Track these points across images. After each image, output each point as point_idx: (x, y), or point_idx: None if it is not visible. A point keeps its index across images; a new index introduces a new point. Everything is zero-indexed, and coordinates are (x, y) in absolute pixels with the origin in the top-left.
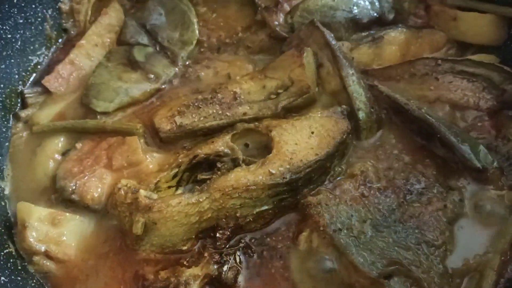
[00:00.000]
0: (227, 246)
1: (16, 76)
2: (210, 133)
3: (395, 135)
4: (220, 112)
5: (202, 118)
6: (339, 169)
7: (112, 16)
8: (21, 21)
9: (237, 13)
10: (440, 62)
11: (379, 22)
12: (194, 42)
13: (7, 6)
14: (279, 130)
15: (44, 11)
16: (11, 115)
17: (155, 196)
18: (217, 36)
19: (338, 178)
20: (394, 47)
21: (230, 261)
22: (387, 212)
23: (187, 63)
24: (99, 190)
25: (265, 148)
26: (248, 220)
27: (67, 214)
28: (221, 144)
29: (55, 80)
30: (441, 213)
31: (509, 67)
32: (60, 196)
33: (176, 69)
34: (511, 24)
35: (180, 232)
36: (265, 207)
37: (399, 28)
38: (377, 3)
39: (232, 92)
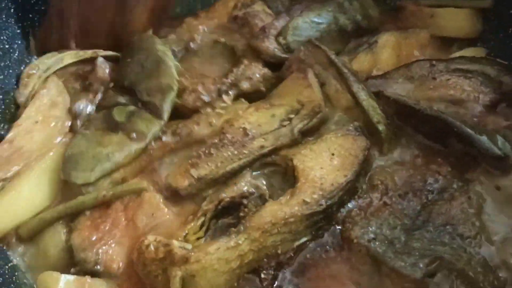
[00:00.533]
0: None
1: (15, 86)
2: (231, 177)
3: (406, 142)
4: (236, 152)
5: (219, 164)
6: (364, 185)
7: (51, 89)
8: (18, 31)
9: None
10: (434, 63)
11: (360, 31)
12: (175, 87)
13: (4, 16)
14: (299, 157)
15: (41, 20)
16: None
17: (189, 246)
18: (203, 85)
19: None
20: (389, 50)
21: None
22: (413, 215)
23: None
24: (125, 256)
25: (287, 181)
26: (289, 255)
27: (95, 280)
28: (244, 184)
29: None
30: (467, 205)
31: (497, 57)
32: (81, 270)
33: (162, 122)
34: (484, 15)
35: (221, 281)
36: (304, 239)
37: (388, 31)
38: (348, 14)
39: (241, 129)
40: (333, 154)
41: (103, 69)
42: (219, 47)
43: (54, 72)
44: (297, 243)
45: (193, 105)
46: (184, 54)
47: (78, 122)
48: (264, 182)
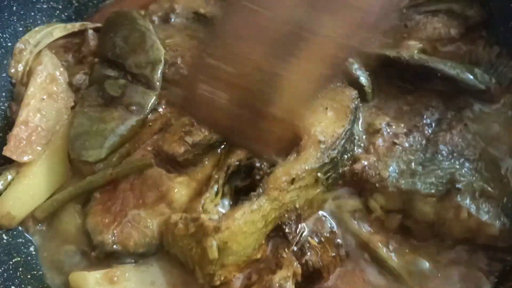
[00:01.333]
0: (298, 237)
1: None
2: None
3: (391, 89)
4: None
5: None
6: (359, 131)
7: (47, 64)
8: (20, 29)
9: None
10: (404, 10)
11: None
12: (162, 58)
13: (6, 14)
14: None
15: (44, 18)
16: None
17: (215, 216)
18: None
19: (364, 137)
20: None
21: (307, 248)
22: (422, 149)
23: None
24: (139, 233)
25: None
26: (305, 207)
27: (121, 267)
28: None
29: (16, 148)
30: (465, 131)
31: None
32: (101, 252)
33: (156, 93)
34: None
35: (251, 242)
36: (318, 190)
37: None
38: None
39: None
40: (326, 108)
41: (94, 40)
42: (199, 18)
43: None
44: (311, 195)
45: (173, 78)
46: (163, 25)
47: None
48: None
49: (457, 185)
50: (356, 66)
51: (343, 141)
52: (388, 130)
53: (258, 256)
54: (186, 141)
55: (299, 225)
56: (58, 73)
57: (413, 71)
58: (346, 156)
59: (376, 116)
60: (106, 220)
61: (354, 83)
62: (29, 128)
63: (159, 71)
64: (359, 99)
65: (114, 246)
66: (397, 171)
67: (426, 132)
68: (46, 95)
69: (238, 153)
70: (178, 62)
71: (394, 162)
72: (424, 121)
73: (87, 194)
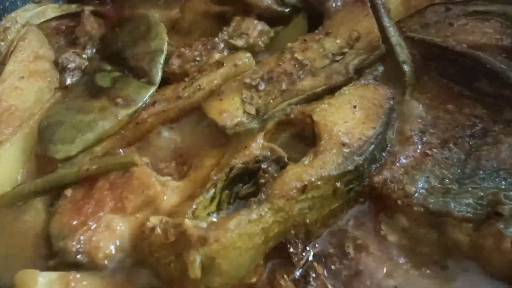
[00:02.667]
0: (304, 260)
1: None
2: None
3: (432, 87)
4: (285, 89)
5: (271, 101)
6: (392, 138)
7: (32, 41)
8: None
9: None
10: (450, 6)
11: None
12: (165, 49)
13: None
14: (319, 112)
15: None
16: None
17: (204, 223)
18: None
19: (394, 149)
20: (396, 2)
21: (312, 277)
22: (460, 164)
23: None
24: (113, 243)
25: (304, 142)
26: (319, 224)
27: (83, 274)
28: (256, 147)
29: None
30: None
31: None
32: (61, 261)
33: (154, 87)
34: None
35: (246, 260)
36: (335, 204)
37: None
38: None
39: (292, 62)
40: (355, 107)
41: (91, 23)
42: (209, 17)
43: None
44: (327, 209)
45: (181, 70)
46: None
47: (67, 77)
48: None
49: (499, 209)
50: (405, 50)
51: (372, 146)
52: (421, 139)
53: (253, 280)
54: (244, 109)
55: (307, 246)
56: (42, 51)
57: (459, 65)
58: (374, 166)
59: (405, 121)
60: (74, 222)
61: (394, 72)
62: (1, 106)
63: (159, 62)
64: (395, 99)
65: (78, 256)
66: (426, 187)
67: (466, 144)
68: (27, 74)
69: (246, 154)
70: (186, 52)
71: (423, 177)
72: (466, 132)
73: (57, 191)
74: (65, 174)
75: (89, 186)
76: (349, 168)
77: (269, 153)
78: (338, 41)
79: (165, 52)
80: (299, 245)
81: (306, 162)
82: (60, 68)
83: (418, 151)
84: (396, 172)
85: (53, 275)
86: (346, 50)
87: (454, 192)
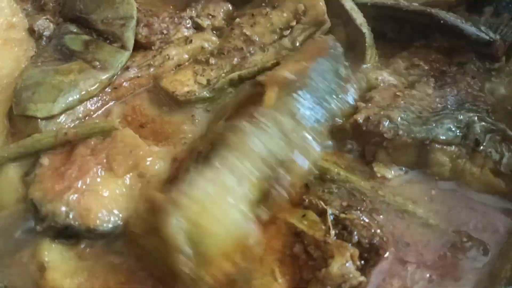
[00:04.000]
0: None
1: None
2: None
3: (385, 46)
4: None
5: (223, 73)
6: (361, 84)
7: (4, 9)
8: None
9: None
10: None
11: None
12: (134, 14)
13: None
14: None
15: None
16: None
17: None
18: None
19: (366, 94)
20: None
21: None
22: (429, 100)
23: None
24: (103, 205)
25: None
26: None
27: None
28: None
29: None
30: (473, 84)
31: None
32: (50, 225)
33: (127, 52)
34: None
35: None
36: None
37: None
38: None
39: (242, 38)
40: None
41: None
42: None
43: None
44: None
45: (147, 40)
46: None
47: (44, 43)
48: None
49: (476, 134)
50: (356, 15)
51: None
52: (388, 83)
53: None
54: (197, 81)
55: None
56: (16, 19)
57: (411, 22)
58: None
59: (373, 73)
60: (58, 187)
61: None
62: None
63: (131, 29)
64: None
65: (68, 219)
66: (406, 118)
67: (430, 84)
68: (1, 42)
69: None
70: (154, 23)
71: (401, 112)
72: (426, 73)
73: (33, 160)
74: (42, 138)
75: (67, 153)
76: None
77: None
78: (285, 14)
79: (135, 18)
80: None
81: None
82: (37, 35)
83: (388, 93)
84: (373, 110)
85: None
86: (293, 23)
87: (433, 120)
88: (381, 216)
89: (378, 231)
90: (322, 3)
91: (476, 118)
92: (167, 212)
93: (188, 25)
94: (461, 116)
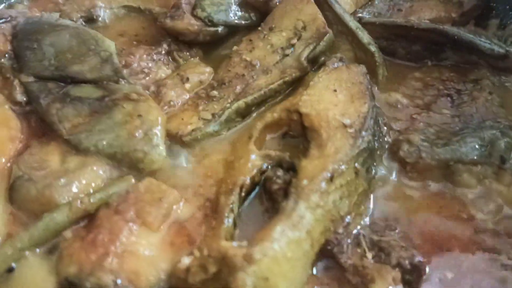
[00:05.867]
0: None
1: None
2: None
3: (397, 67)
4: (241, 90)
5: (230, 101)
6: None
7: None
8: None
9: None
10: None
11: None
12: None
13: None
14: (305, 104)
15: None
16: None
17: (244, 242)
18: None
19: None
20: None
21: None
22: (448, 120)
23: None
24: (149, 261)
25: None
26: (353, 214)
27: None
28: (255, 159)
29: None
30: (491, 101)
31: None
32: None
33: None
34: None
35: (299, 272)
36: (361, 188)
37: None
38: None
39: (243, 64)
40: (335, 90)
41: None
42: (131, 12)
43: None
44: (356, 196)
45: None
46: (89, 25)
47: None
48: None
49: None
50: (363, 34)
51: (372, 120)
52: (404, 105)
53: None
54: (201, 117)
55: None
56: None
57: (423, 41)
58: (379, 140)
59: (387, 96)
60: (94, 256)
61: (360, 54)
62: None
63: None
64: (368, 74)
65: (118, 286)
66: (426, 140)
67: (448, 104)
68: None
69: (250, 167)
70: (133, 63)
71: (420, 134)
72: (441, 93)
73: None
74: (56, 219)
75: (88, 219)
76: (363, 146)
77: (270, 160)
78: (284, 34)
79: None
80: (344, 241)
81: (316, 154)
82: (20, 109)
83: (405, 116)
84: (396, 137)
85: None
86: (294, 41)
87: (455, 140)
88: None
89: (415, 251)
90: (320, 15)
91: (499, 134)
92: (239, 266)
93: (165, 61)
94: (484, 134)
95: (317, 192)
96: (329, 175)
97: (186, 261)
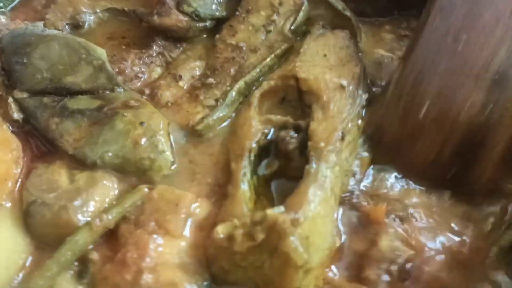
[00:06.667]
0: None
1: None
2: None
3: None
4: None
5: (229, 84)
6: None
7: None
8: None
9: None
10: None
11: None
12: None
13: None
14: (301, 70)
15: None
16: None
17: (281, 208)
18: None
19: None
20: None
21: None
22: None
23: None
24: (183, 269)
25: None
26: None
27: None
28: (257, 124)
29: None
30: None
31: None
32: None
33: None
34: None
35: (329, 226)
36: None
37: None
38: None
39: (230, 49)
40: (325, 55)
41: None
42: (116, 15)
43: None
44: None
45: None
46: (76, 33)
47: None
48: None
49: None
50: (336, 1)
51: (365, 80)
52: (389, 59)
53: (338, 243)
54: (205, 105)
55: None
56: None
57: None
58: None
59: (370, 55)
60: (128, 276)
61: (338, 21)
62: None
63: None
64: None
65: None
66: None
67: None
68: None
69: (253, 131)
70: (126, 69)
71: None
72: None
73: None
74: (79, 241)
75: (109, 237)
76: (362, 104)
77: (269, 125)
78: (262, 12)
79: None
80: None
81: (321, 116)
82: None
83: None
84: None
85: None
86: (274, 17)
87: None
88: None
89: None
90: None
91: None
92: (289, 231)
93: (158, 63)
94: None
95: (333, 151)
96: (340, 134)
97: (223, 229)
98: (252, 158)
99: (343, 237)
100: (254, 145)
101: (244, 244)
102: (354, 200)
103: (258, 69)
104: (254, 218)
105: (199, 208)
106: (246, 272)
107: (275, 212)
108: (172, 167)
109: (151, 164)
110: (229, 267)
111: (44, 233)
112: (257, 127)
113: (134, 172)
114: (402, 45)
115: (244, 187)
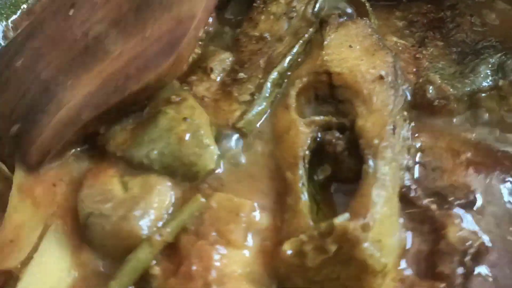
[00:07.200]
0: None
1: None
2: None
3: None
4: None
5: (262, 76)
6: None
7: None
8: None
9: None
10: None
11: None
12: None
13: None
14: (333, 64)
15: None
16: None
17: (346, 215)
18: None
19: None
20: None
21: None
22: (446, 51)
23: None
24: (250, 280)
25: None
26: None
27: None
28: (303, 129)
29: None
30: (473, 20)
31: None
32: None
33: None
34: None
35: (396, 224)
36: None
37: None
38: None
39: (254, 41)
40: (350, 46)
41: None
42: None
43: None
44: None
45: None
46: None
47: None
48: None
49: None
50: None
51: (399, 65)
52: (404, 47)
53: (406, 241)
54: (241, 101)
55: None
56: None
57: None
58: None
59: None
60: None
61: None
62: None
63: None
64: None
65: None
66: (442, 76)
67: (437, 36)
68: None
69: (303, 138)
70: None
71: (432, 72)
72: (428, 26)
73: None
74: (141, 259)
75: (171, 251)
76: (405, 94)
77: (314, 127)
78: (281, 0)
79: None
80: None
81: (365, 111)
82: None
83: (409, 57)
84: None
85: None
86: (294, 3)
87: (467, 72)
88: None
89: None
90: None
91: (504, 57)
92: (361, 238)
93: None
94: (492, 59)
95: (388, 147)
96: (391, 128)
97: (290, 245)
98: (307, 165)
99: (408, 234)
100: (307, 152)
101: (316, 258)
102: (412, 195)
103: (289, 58)
104: (322, 230)
105: (259, 216)
106: (323, 286)
107: (342, 220)
108: (220, 165)
109: (197, 159)
110: (304, 284)
111: (105, 245)
112: (305, 131)
113: (180, 170)
114: (414, 31)
115: (305, 198)
